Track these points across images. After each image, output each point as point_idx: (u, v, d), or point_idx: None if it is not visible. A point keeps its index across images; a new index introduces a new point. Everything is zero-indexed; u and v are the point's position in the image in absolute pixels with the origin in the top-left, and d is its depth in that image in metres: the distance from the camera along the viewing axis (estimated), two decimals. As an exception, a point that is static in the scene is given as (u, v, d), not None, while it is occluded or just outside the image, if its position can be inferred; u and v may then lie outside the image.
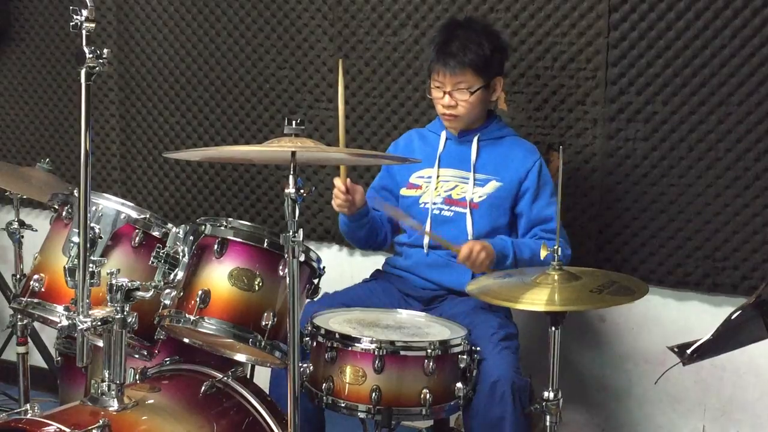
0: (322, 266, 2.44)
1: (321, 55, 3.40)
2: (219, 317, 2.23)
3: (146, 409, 2.14)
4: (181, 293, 2.27)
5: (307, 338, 2.41)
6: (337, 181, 2.71)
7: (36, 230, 3.10)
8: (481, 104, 2.78)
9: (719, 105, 2.82)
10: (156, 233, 2.35)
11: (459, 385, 2.38)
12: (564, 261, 2.43)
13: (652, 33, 2.86)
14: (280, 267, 2.26)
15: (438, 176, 2.81)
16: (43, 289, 2.34)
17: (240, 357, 2.44)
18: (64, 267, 2.07)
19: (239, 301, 2.25)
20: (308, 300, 2.52)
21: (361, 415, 2.33)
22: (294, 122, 2.06)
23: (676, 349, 1.88)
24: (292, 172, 2.02)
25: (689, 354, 1.85)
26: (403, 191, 2.88)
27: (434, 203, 2.80)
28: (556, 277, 2.23)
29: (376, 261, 3.11)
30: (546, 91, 3.04)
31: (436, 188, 2.81)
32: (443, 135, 2.85)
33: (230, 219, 2.33)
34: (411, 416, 2.36)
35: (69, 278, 2.05)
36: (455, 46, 2.71)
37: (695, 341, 1.84)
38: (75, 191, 2.34)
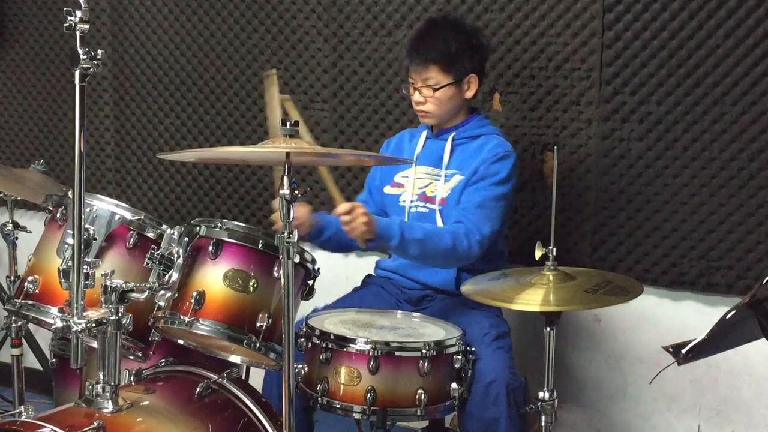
0: (317, 267, 2.44)
1: (316, 56, 3.39)
2: (214, 318, 2.23)
3: (141, 411, 2.14)
4: (176, 295, 2.26)
5: (302, 339, 2.40)
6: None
7: (30, 232, 3.09)
8: (451, 101, 2.75)
9: (714, 105, 2.82)
10: (150, 234, 2.35)
11: (454, 385, 2.38)
12: (479, 240, 2.57)
13: (647, 33, 2.86)
14: (275, 268, 2.25)
15: (415, 174, 2.82)
16: (37, 291, 2.33)
17: (235, 358, 2.44)
18: (59, 268, 2.06)
19: (234, 303, 2.24)
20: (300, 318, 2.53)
21: (356, 416, 2.33)
22: (288, 123, 2.05)
23: (671, 349, 1.87)
24: (286, 173, 2.01)
25: (684, 354, 1.85)
26: (387, 189, 2.89)
27: (411, 201, 2.81)
28: (551, 278, 2.23)
29: (370, 262, 3.10)
30: (540, 91, 3.04)
31: (413, 186, 2.82)
32: (423, 134, 2.87)
33: (225, 220, 2.33)
34: (406, 417, 2.36)
35: (63, 280, 2.04)
36: (422, 43, 2.75)
37: (690, 341, 1.84)
38: (69, 192, 2.34)
